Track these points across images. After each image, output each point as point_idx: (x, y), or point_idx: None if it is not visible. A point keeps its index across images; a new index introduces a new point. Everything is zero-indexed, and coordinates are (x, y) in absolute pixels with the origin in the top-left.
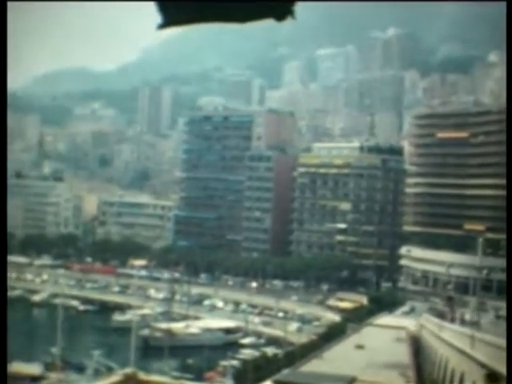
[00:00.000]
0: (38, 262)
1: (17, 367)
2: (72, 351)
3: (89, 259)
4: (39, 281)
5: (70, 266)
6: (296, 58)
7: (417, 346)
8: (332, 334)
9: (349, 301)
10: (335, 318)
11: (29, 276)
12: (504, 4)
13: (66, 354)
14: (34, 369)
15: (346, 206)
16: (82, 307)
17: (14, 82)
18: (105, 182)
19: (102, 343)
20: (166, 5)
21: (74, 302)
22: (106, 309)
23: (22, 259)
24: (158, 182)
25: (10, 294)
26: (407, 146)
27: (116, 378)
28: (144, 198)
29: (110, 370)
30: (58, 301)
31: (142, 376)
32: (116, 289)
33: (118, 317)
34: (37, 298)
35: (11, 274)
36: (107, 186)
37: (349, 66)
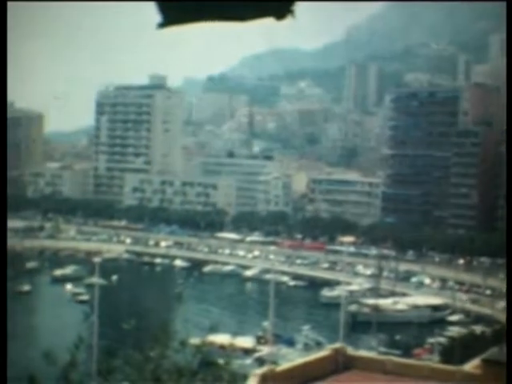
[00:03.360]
0: (249, 238)
1: (230, 339)
2: (282, 325)
3: (298, 236)
4: (251, 256)
5: (280, 242)
6: (501, 31)
7: None
8: None
9: None
10: None
11: (241, 252)
12: None
13: (276, 328)
14: (246, 341)
15: None
16: (291, 283)
17: (222, 64)
18: (313, 160)
19: (311, 318)
20: (166, 4)
21: (285, 278)
22: (315, 284)
23: (234, 235)
24: (364, 159)
25: (224, 268)
26: None
27: (325, 352)
28: (352, 176)
29: (319, 345)
30: (268, 276)
31: (351, 351)
32: (325, 265)
33: (326, 292)
34: (249, 273)
35: (224, 250)
36: (315, 164)
37: None
